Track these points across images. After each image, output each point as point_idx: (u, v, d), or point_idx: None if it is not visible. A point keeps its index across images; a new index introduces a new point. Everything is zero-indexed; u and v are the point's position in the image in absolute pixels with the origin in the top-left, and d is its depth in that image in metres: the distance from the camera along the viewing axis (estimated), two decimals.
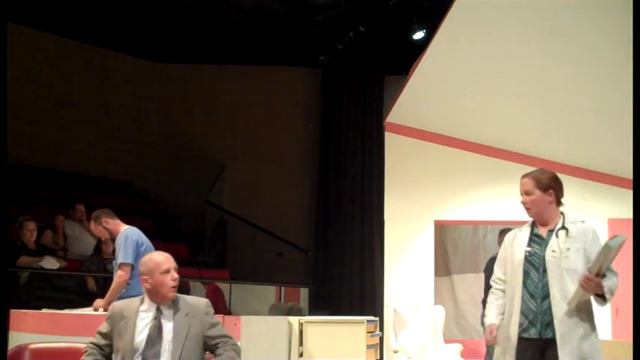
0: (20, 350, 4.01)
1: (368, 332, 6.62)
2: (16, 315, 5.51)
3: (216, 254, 11.54)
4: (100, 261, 8.37)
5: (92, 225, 5.94)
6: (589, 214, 9.12)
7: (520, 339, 3.83)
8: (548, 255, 3.82)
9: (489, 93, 8.44)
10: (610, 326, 8.72)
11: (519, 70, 7.94)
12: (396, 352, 8.23)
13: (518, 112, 8.48)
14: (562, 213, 3.93)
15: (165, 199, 12.33)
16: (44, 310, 5.92)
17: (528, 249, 3.88)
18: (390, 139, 9.91)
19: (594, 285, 3.68)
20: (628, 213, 7.73)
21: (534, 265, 3.84)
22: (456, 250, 10.46)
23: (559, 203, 3.94)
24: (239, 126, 12.42)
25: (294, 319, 6.52)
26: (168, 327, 3.69)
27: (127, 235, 5.62)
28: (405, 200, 9.71)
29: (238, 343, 3.86)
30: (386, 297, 9.53)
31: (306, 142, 11.82)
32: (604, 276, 3.71)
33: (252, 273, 10.90)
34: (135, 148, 12.62)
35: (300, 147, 11.93)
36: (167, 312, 3.74)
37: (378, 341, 7.20)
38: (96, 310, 5.54)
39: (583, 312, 3.78)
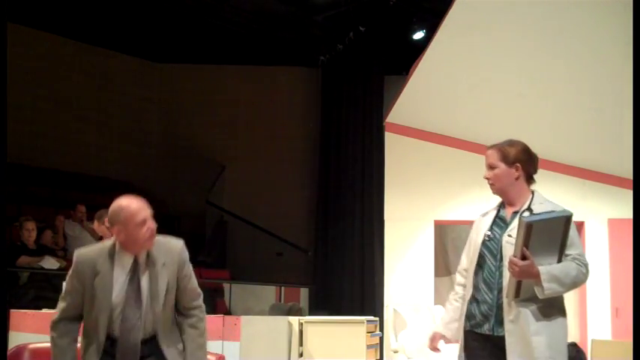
0: (20, 350, 4.01)
1: (368, 332, 6.62)
2: (16, 315, 5.51)
3: (216, 254, 11.54)
4: None
5: (96, 224, 5.95)
6: (589, 214, 9.16)
7: (473, 333, 3.36)
8: (504, 240, 3.30)
9: (489, 93, 8.44)
10: (610, 326, 8.72)
11: (519, 70, 7.94)
12: (396, 352, 8.23)
13: (519, 112, 8.48)
14: (533, 192, 3.40)
15: (165, 199, 12.33)
16: (44, 310, 5.91)
17: (488, 233, 3.40)
18: (390, 139, 9.91)
19: (519, 270, 3.11)
20: (628, 213, 7.76)
21: (492, 252, 3.36)
22: (456, 250, 10.45)
23: (530, 181, 3.41)
24: (239, 126, 12.42)
25: (294, 319, 6.52)
26: (145, 280, 3.38)
27: None
28: (405, 200, 9.71)
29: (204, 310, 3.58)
30: (386, 297, 9.53)
31: (306, 142, 11.82)
32: (561, 259, 3.18)
33: (252, 273, 10.90)
34: (135, 148, 12.62)
35: (300, 147, 11.93)
36: (143, 263, 3.40)
37: (378, 341, 7.19)
38: None
39: (539, 304, 3.19)
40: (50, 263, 8.09)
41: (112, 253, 3.39)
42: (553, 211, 3.20)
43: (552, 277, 3.11)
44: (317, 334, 6.43)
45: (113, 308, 3.33)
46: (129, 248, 3.37)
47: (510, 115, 8.63)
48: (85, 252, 3.44)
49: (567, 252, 3.19)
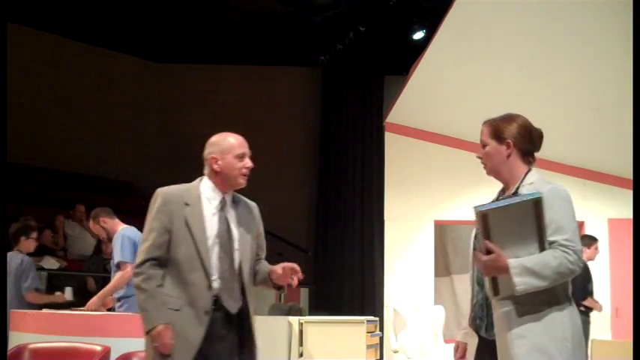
0: (20, 350, 4.01)
1: (368, 332, 6.63)
2: (16, 315, 5.50)
3: None
4: (100, 261, 8.38)
5: (91, 224, 5.95)
6: (589, 214, 9.16)
7: (479, 337, 3.06)
8: None
9: (489, 93, 8.44)
10: (610, 326, 8.72)
11: (519, 70, 7.94)
12: (396, 352, 8.23)
13: (518, 112, 8.46)
14: (528, 171, 3.00)
15: None
16: (44, 310, 5.91)
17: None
18: (390, 139, 9.91)
19: (483, 265, 2.79)
20: (628, 213, 7.75)
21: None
22: (456, 250, 10.46)
23: (527, 159, 3.02)
24: (239, 126, 12.33)
25: (294, 319, 6.53)
26: (233, 220, 3.30)
27: (124, 234, 5.62)
28: (405, 200, 9.70)
29: None
30: (386, 297, 9.53)
31: (306, 142, 11.82)
32: (544, 247, 2.76)
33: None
34: (135, 148, 12.62)
35: (300, 147, 11.93)
36: (230, 204, 3.33)
37: (378, 341, 7.20)
38: (89, 310, 5.52)
39: (524, 301, 2.78)
40: (50, 263, 8.10)
41: (197, 189, 3.32)
42: (517, 196, 2.84)
43: (525, 270, 2.70)
44: (317, 334, 6.43)
45: (206, 239, 3.20)
46: (221, 181, 3.31)
47: None
48: (169, 188, 3.37)
49: (553, 238, 2.76)
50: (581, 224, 9.25)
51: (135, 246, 5.56)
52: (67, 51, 11.99)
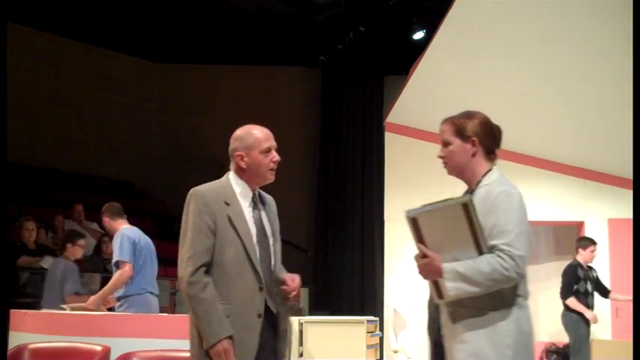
0: (20, 350, 4.02)
1: (368, 332, 6.62)
2: (16, 315, 5.50)
3: None
4: (100, 261, 8.38)
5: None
6: (589, 214, 9.16)
7: (436, 341, 3.00)
8: None
9: (489, 93, 8.43)
10: (610, 326, 8.72)
11: (519, 70, 7.94)
12: (396, 352, 8.24)
13: (519, 112, 8.47)
14: (488, 171, 2.89)
15: (165, 199, 12.33)
16: (44, 310, 5.91)
17: None
18: (390, 139, 9.91)
19: (419, 269, 2.75)
20: (628, 213, 7.75)
21: None
22: None
23: (490, 157, 2.92)
24: (239, 126, 12.36)
25: (294, 319, 6.52)
26: (264, 216, 3.19)
27: (124, 233, 5.62)
28: (405, 200, 9.63)
29: None
30: (386, 297, 9.52)
31: (306, 142, 11.82)
32: (482, 251, 2.68)
33: None
34: (135, 148, 12.62)
35: (300, 147, 11.92)
36: (258, 200, 3.20)
37: (378, 341, 7.19)
38: (89, 310, 5.52)
39: (469, 306, 2.71)
40: (50, 263, 8.08)
41: (231, 186, 3.16)
42: (448, 199, 2.75)
43: (457, 275, 2.64)
44: (317, 334, 6.43)
45: (251, 237, 3.07)
46: (249, 177, 3.16)
47: (510, 115, 8.62)
48: (204, 187, 3.17)
49: (493, 242, 2.68)
50: (581, 224, 9.25)
51: (134, 246, 5.56)
52: (67, 51, 11.99)
